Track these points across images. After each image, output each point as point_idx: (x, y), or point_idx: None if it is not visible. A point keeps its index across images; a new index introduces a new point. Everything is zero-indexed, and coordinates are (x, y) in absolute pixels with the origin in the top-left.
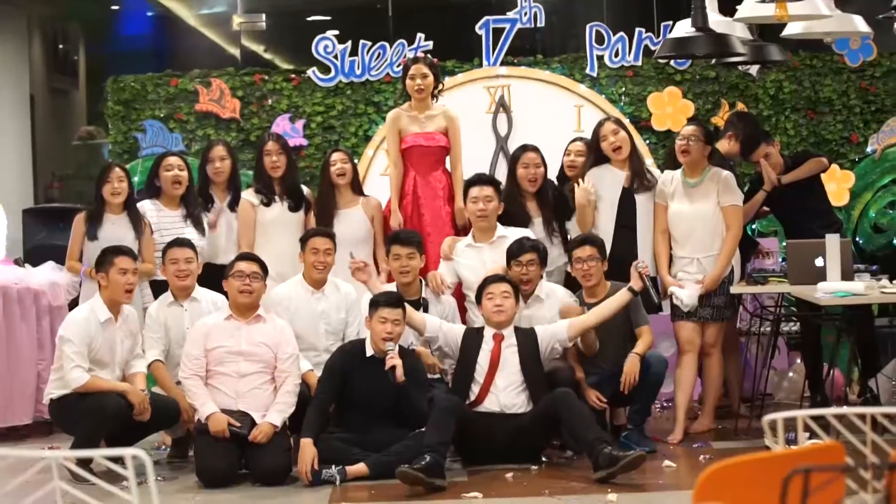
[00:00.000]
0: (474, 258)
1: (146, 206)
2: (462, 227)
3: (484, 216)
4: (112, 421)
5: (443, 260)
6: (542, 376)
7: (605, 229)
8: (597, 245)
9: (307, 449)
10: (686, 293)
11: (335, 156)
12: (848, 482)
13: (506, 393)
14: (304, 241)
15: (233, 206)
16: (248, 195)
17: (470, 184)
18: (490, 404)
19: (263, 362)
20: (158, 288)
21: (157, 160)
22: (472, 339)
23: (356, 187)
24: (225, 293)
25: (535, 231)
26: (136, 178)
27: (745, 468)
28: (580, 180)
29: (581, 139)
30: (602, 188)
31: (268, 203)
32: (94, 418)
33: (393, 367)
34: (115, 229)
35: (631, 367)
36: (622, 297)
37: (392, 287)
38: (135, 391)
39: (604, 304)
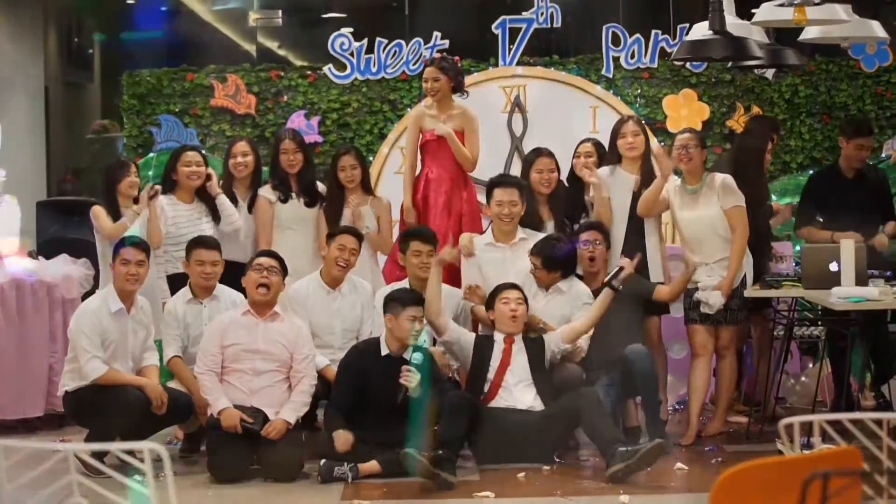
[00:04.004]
0: (496, 258)
1: (162, 201)
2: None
3: (509, 220)
4: (131, 415)
5: (464, 257)
6: (549, 380)
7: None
8: (602, 231)
9: (343, 436)
10: (713, 295)
11: (345, 160)
12: (864, 488)
13: (517, 389)
14: (332, 235)
15: (252, 205)
16: (265, 192)
17: (494, 185)
18: (501, 400)
19: (279, 361)
20: (173, 282)
21: (174, 154)
22: (484, 342)
23: (366, 187)
24: (242, 290)
25: (546, 233)
26: (150, 172)
27: (762, 472)
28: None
29: (590, 140)
30: (611, 191)
31: (284, 200)
32: (113, 412)
33: (406, 380)
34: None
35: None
36: (606, 296)
37: (404, 284)
38: (153, 386)
39: (592, 308)
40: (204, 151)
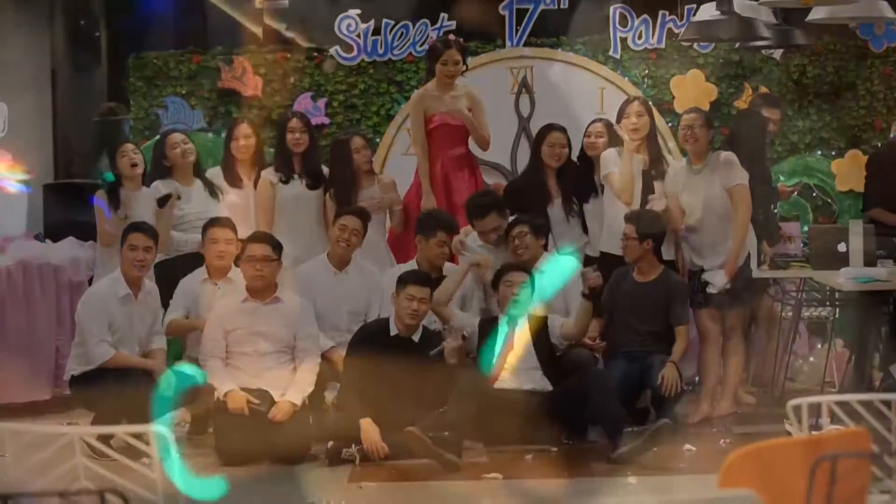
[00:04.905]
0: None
1: (161, 187)
2: None
3: (495, 243)
4: (138, 398)
5: (460, 256)
6: (554, 359)
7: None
8: (634, 223)
9: (370, 428)
10: (717, 276)
11: (358, 142)
12: (873, 469)
13: (523, 370)
14: (337, 216)
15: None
16: (268, 174)
17: (474, 215)
18: (508, 381)
19: (282, 342)
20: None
21: (159, 142)
22: (489, 324)
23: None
24: None
25: (553, 210)
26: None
27: (771, 453)
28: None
29: (601, 120)
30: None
31: (286, 181)
32: (120, 395)
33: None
34: (136, 206)
35: (669, 376)
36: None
37: (411, 265)
38: (159, 369)
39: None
40: (209, 135)
